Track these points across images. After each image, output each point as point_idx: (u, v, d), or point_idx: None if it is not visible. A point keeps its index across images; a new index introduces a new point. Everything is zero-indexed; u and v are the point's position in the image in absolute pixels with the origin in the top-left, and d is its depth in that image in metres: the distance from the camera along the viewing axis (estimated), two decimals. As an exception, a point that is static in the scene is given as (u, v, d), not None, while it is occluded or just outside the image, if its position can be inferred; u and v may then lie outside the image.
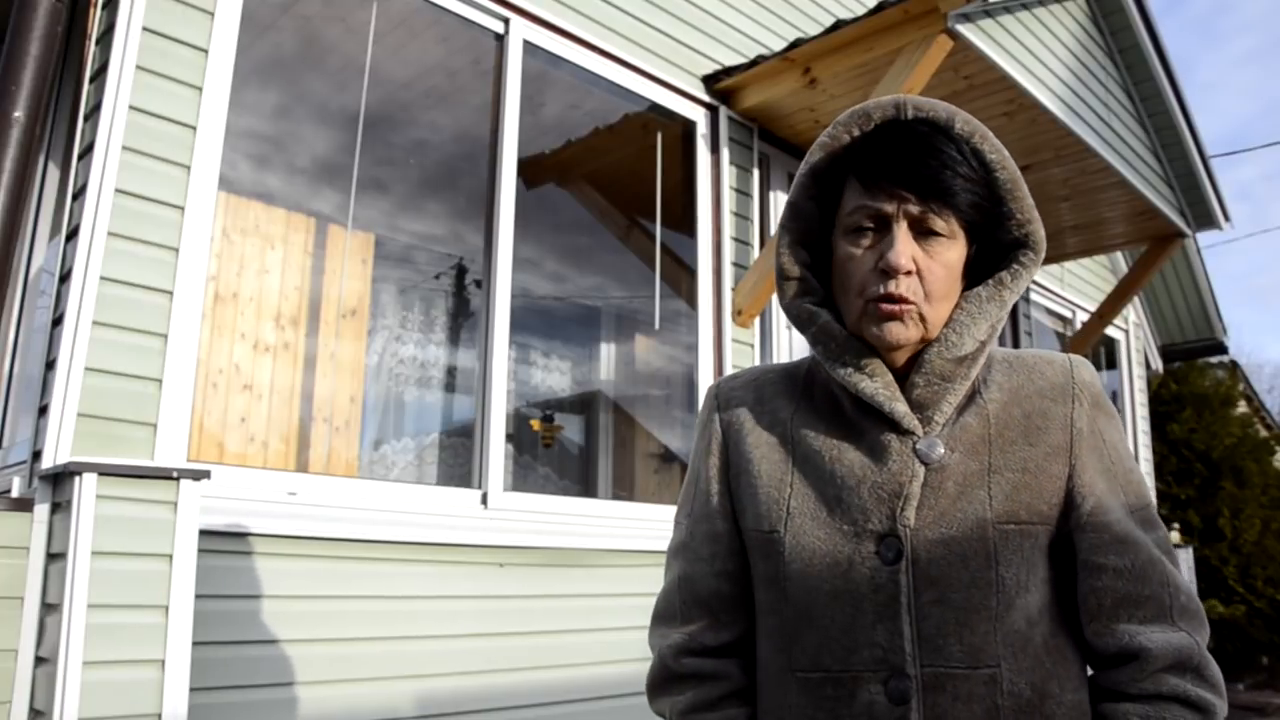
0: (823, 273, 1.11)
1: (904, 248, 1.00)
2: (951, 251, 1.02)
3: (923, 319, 1.02)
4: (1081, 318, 7.31)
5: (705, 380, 4.02)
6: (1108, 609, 1.00)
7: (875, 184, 1.02)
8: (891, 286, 1.00)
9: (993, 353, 1.10)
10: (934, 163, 1.00)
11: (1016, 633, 0.99)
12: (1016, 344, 6.36)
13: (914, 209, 1.00)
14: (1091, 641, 1.02)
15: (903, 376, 1.06)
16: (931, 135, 1.02)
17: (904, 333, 1.02)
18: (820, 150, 1.09)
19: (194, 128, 2.59)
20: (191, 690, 2.28)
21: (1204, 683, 0.98)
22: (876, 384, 1.04)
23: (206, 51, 2.65)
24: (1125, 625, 1.00)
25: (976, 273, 1.08)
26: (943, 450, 1.03)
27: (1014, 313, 6.41)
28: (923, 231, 1.01)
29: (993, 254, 1.08)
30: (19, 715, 2.23)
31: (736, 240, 4.21)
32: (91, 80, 2.59)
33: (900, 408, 1.03)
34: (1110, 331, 7.76)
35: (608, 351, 5.36)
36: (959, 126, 1.04)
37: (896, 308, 1.01)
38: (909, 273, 1.00)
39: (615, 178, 4.88)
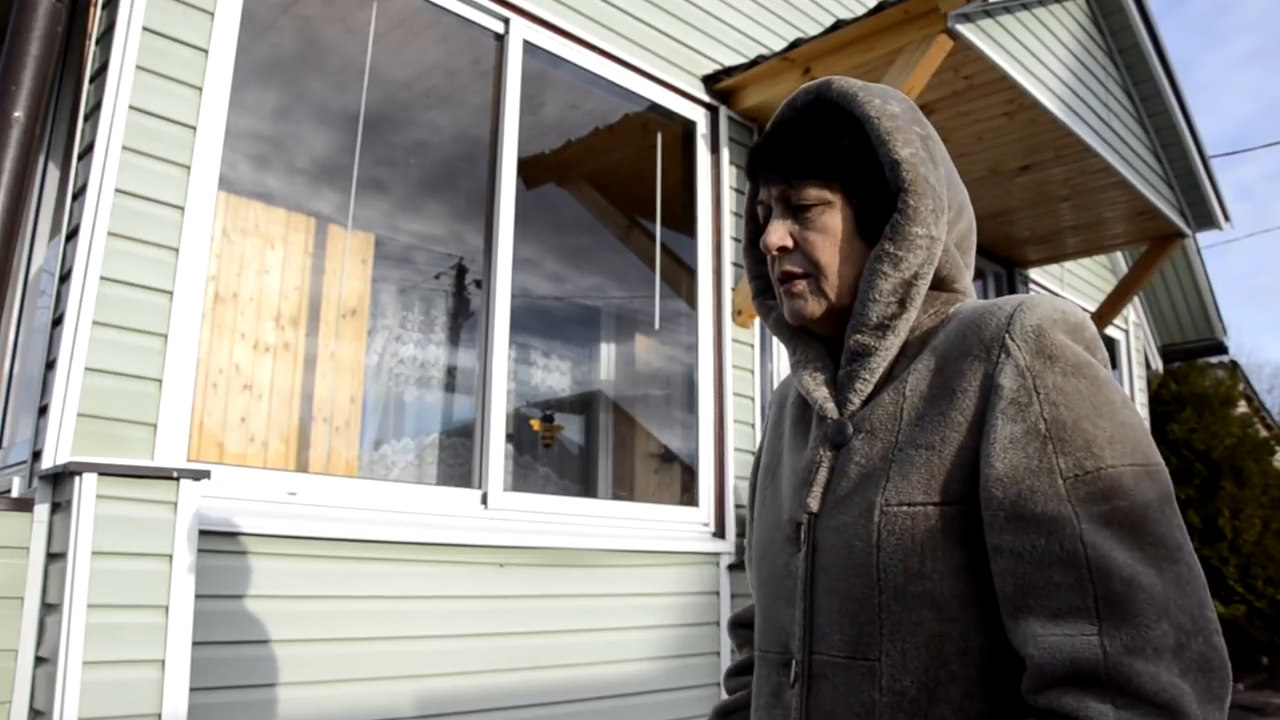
0: None
1: (773, 228, 1.03)
2: (826, 217, 1.02)
3: (821, 289, 1.02)
4: (1081, 318, 7.30)
5: (705, 380, 4.02)
6: (1010, 598, 0.85)
7: (761, 177, 1.07)
8: (777, 266, 1.05)
9: (957, 310, 1.01)
10: (785, 141, 1.04)
11: (915, 626, 0.89)
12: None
13: (779, 190, 1.04)
14: (1008, 637, 0.88)
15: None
16: (809, 113, 1.05)
17: (805, 307, 1.03)
18: (748, 158, 1.15)
19: (194, 128, 2.59)
20: (191, 690, 2.29)
21: (1133, 702, 0.77)
22: (807, 371, 1.06)
23: (206, 51, 2.65)
24: (1031, 620, 0.84)
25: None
26: (849, 432, 1.00)
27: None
28: (795, 208, 1.03)
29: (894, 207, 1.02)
30: (19, 715, 2.23)
31: (736, 240, 4.21)
32: (91, 80, 2.59)
33: (818, 392, 1.04)
34: (1110, 331, 7.76)
35: (608, 351, 5.36)
36: (835, 89, 1.04)
37: (791, 285, 1.04)
38: (783, 249, 1.03)
39: (615, 178, 4.88)
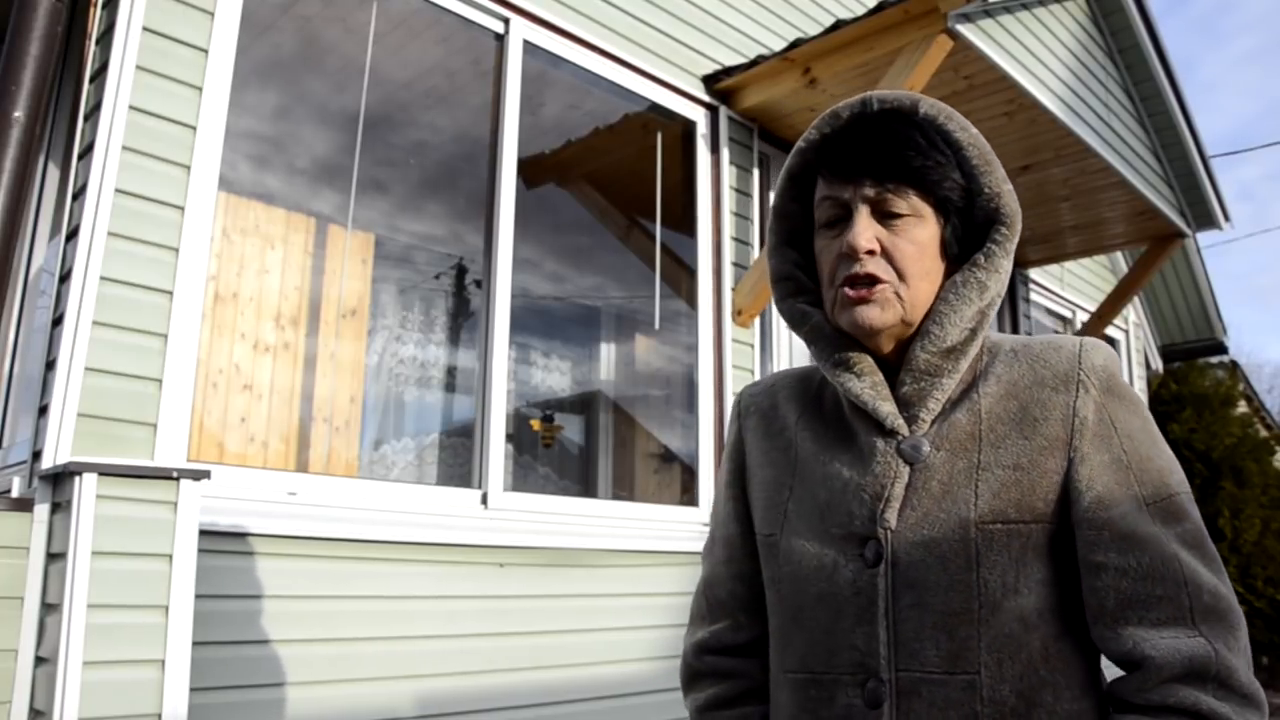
0: (815, 274, 1.12)
1: (862, 228, 0.99)
2: (918, 229, 1.00)
3: (899, 298, 1.00)
4: (1081, 318, 7.31)
5: (705, 380, 4.02)
6: (1111, 611, 0.94)
7: (835, 174, 1.03)
8: (856, 268, 1.00)
9: (999, 341, 1.06)
10: (888, 145, 1.01)
11: (1007, 637, 0.94)
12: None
13: (871, 192, 1.00)
14: (1100, 646, 0.97)
15: (895, 373, 1.05)
16: (893, 122, 1.03)
17: (878, 315, 1.00)
18: (795, 154, 1.11)
19: (194, 128, 2.59)
20: (191, 690, 2.28)
21: (1228, 694, 0.89)
22: (864, 383, 1.03)
23: (206, 51, 2.65)
24: (1132, 629, 0.93)
25: (964, 257, 1.05)
26: (928, 449, 1.00)
27: (1014, 314, 6.41)
28: (885, 214, 1.00)
29: (974, 234, 1.04)
30: (19, 715, 2.23)
31: (736, 240, 4.21)
32: (91, 80, 2.58)
33: (886, 407, 1.02)
34: (1110, 331, 7.76)
35: (608, 351, 5.36)
36: (924, 110, 1.04)
37: (865, 291, 1.00)
38: (871, 252, 0.99)
39: (615, 178, 4.88)
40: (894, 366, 1.05)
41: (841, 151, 1.03)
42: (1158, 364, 9.19)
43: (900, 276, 1.00)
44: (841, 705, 0.99)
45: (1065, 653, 0.96)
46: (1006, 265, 1.02)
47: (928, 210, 1.01)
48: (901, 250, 1.00)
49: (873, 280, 1.00)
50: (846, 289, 1.01)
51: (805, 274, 1.12)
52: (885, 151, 1.00)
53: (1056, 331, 7.30)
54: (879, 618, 0.98)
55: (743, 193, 4.29)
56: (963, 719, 0.93)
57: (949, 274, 1.04)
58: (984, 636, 0.94)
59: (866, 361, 1.04)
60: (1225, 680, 0.89)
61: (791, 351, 4.56)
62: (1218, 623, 0.91)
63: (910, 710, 0.95)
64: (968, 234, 1.04)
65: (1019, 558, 0.95)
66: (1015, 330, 6.41)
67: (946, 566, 0.95)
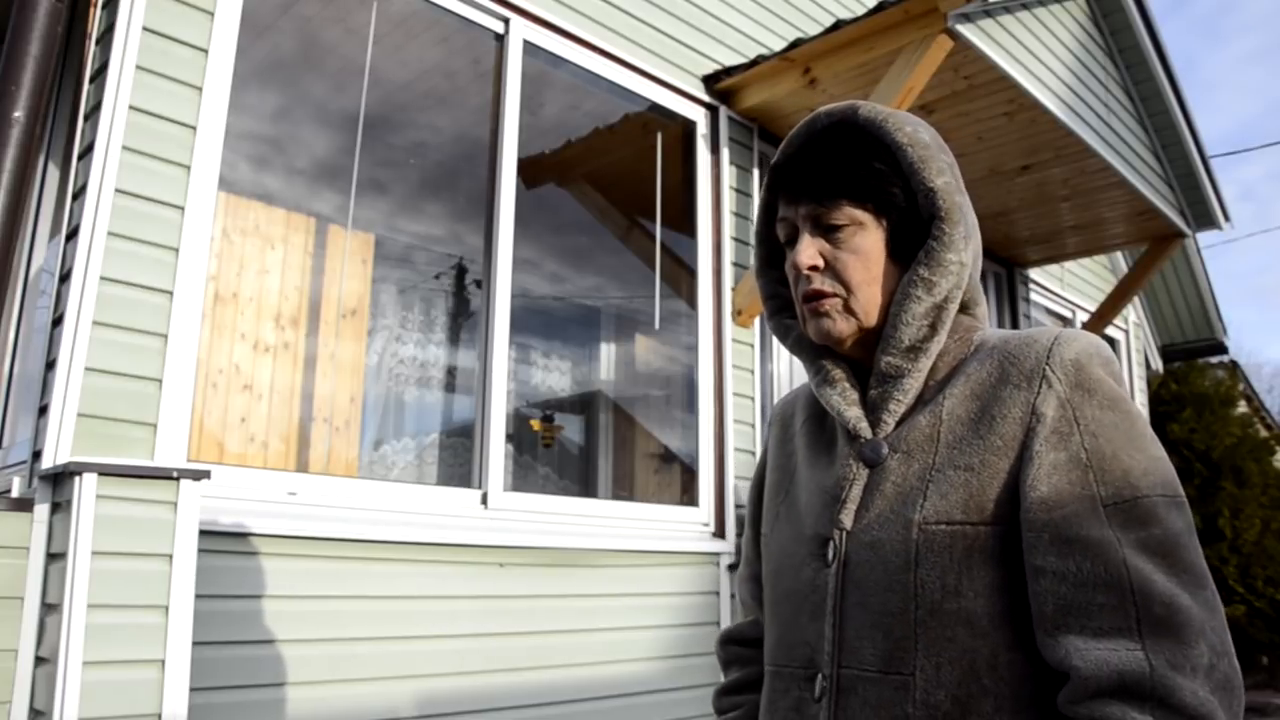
0: None
1: (804, 247, 1.04)
2: (859, 238, 1.03)
3: (850, 309, 1.03)
4: (1081, 318, 7.32)
5: (705, 380, 4.02)
6: (1050, 617, 0.89)
7: (784, 197, 1.08)
8: (805, 285, 1.05)
9: (985, 338, 1.04)
10: (819, 162, 1.04)
11: (948, 641, 0.92)
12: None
13: (809, 210, 1.04)
14: (1042, 654, 0.91)
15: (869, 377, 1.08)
16: (832, 135, 1.06)
17: (834, 327, 1.04)
18: (766, 180, 1.15)
19: (194, 128, 2.59)
20: (191, 690, 2.29)
21: (1170, 714, 0.82)
22: (835, 390, 1.07)
23: (206, 51, 2.65)
24: (1071, 638, 0.88)
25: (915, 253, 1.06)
26: (886, 451, 1.02)
27: (1014, 314, 6.41)
28: (826, 228, 1.04)
29: (925, 230, 1.04)
30: (19, 715, 2.23)
31: (736, 240, 4.21)
32: (91, 80, 2.59)
33: (851, 411, 1.05)
34: (1110, 331, 7.76)
35: (608, 351, 5.36)
36: (862, 114, 1.06)
37: (818, 304, 1.04)
38: (815, 268, 1.03)
39: (615, 178, 4.88)
40: (869, 371, 1.08)
41: (787, 175, 1.08)
42: (1158, 364, 9.19)
43: (847, 287, 1.03)
44: (793, 698, 1.03)
45: (1017, 664, 0.92)
46: (953, 258, 1.02)
47: (867, 217, 1.03)
48: (843, 261, 1.03)
49: (820, 295, 1.04)
50: (805, 304, 1.06)
51: (788, 290, 1.16)
52: (817, 169, 1.04)
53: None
54: (827, 615, 1.00)
55: (743, 193, 4.29)
56: (893, 719, 0.93)
57: (906, 273, 1.06)
58: (921, 638, 0.93)
59: (839, 369, 1.08)
60: (1165, 699, 0.82)
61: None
62: (1166, 636, 0.84)
63: (846, 707, 0.97)
64: (919, 231, 1.05)
65: (963, 560, 0.93)
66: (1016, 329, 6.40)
67: (887, 567, 0.96)
